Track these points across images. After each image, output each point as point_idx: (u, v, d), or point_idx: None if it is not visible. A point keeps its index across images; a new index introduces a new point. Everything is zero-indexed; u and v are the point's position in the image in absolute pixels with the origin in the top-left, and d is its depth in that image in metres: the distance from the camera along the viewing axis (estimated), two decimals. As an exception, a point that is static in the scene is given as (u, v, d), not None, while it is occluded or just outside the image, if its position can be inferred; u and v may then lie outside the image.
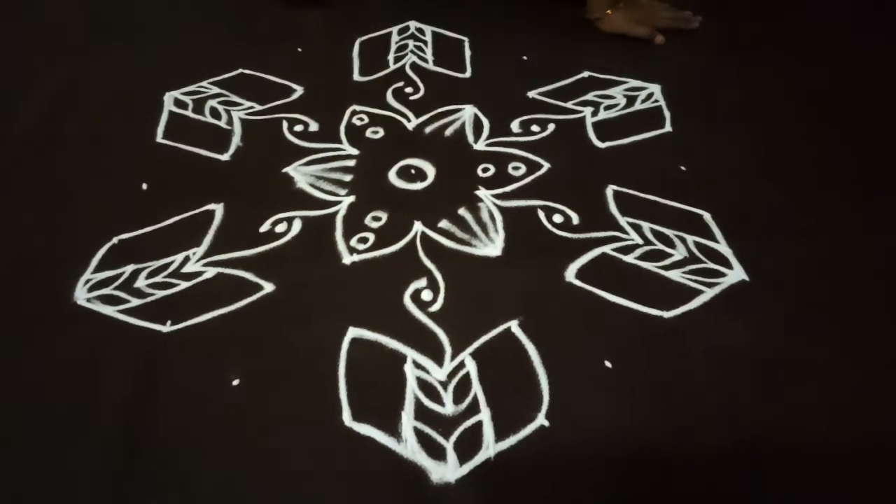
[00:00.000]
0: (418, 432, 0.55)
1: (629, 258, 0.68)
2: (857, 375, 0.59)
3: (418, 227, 0.72)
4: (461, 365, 0.59)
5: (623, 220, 0.72)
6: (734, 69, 0.94)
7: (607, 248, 0.69)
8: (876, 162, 0.79)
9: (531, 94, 0.90)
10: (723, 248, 0.69)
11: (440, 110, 0.87)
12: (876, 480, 0.53)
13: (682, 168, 0.79)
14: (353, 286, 0.66)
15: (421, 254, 0.69)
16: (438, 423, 0.55)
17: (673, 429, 0.55)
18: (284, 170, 0.79)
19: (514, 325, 0.62)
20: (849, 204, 0.74)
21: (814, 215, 0.73)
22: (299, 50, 0.98)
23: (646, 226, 0.71)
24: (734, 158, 0.80)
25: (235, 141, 0.83)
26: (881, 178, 0.77)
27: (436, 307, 0.64)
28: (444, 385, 0.58)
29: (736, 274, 0.67)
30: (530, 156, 0.80)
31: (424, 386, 0.58)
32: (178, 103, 0.88)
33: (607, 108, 0.88)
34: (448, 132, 0.84)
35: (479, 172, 0.78)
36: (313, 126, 0.85)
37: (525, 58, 0.96)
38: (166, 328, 0.62)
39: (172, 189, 0.76)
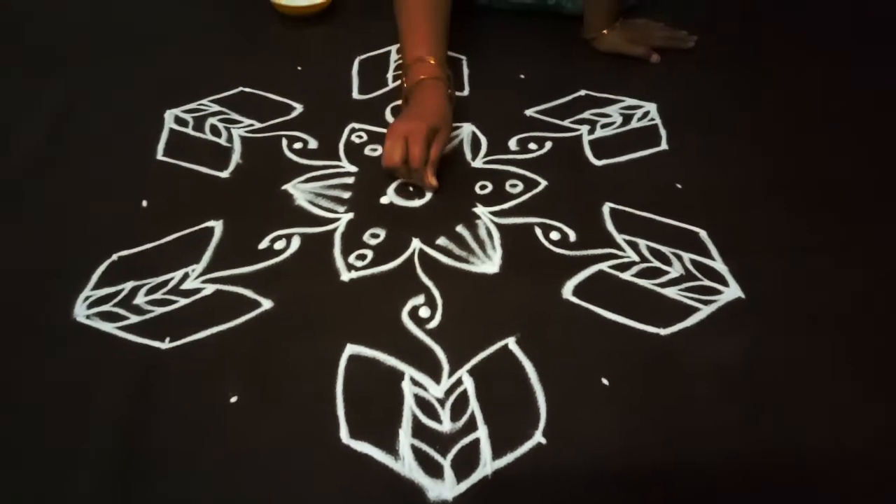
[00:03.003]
0: (415, 450, 0.55)
1: (626, 275, 0.69)
2: (854, 393, 0.59)
3: (416, 244, 0.72)
4: (458, 382, 0.60)
5: (619, 238, 0.73)
6: (729, 87, 0.95)
7: (604, 266, 0.70)
8: (872, 178, 0.80)
9: (528, 112, 0.91)
10: (719, 265, 0.70)
11: (438, 128, 0.88)
12: (874, 498, 0.53)
13: (678, 186, 0.79)
14: (351, 303, 0.66)
15: (419, 271, 0.69)
16: (436, 441, 0.55)
17: (670, 446, 0.55)
18: (284, 187, 0.79)
19: (511, 342, 0.63)
20: (845, 221, 0.75)
21: (810, 233, 0.73)
22: (299, 68, 0.99)
23: (642, 243, 0.72)
24: (730, 176, 0.81)
25: (235, 158, 0.83)
26: (878, 194, 0.78)
27: (433, 324, 0.64)
28: (442, 402, 0.58)
29: (732, 291, 0.67)
30: (527, 173, 0.81)
31: (422, 403, 0.58)
32: (179, 121, 0.89)
33: (604, 126, 0.88)
34: (446, 150, 0.85)
35: (477, 190, 0.79)
36: (312, 143, 0.86)
37: (522, 76, 0.97)
38: (165, 345, 0.62)
39: (172, 206, 0.77)
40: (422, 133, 0.73)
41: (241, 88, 0.95)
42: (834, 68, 0.99)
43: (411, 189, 0.79)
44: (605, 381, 0.60)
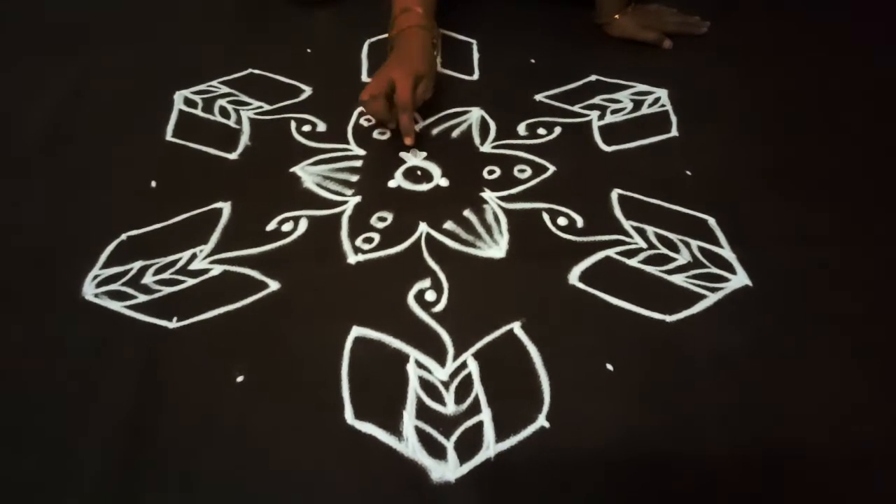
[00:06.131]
0: (419, 431, 0.55)
1: (633, 262, 0.69)
2: (859, 383, 0.59)
3: (423, 227, 0.72)
4: (463, 365, 0.60)
5: (627, 224, 0.72)
6: (741, 75, 0.94)
7: (611, 252, 0.69)
8: (882, 169, 0.79)
9: (538, 97, 0.90)
10: (727, 253, 0.69)
11: (447, 112, 0.87)
12: (876, 490, 0.53)
13: (688, 173, 0.79)
14: (357, 286, 0.67)
15: (425, 254, 0.69)
16: (439, 423, 0.56)
17: (673, 432, 0.55)
18: (292, 169, 0.79)
19: (516, 327, 0.63)
20: (854, 211, 0.74)
21: (818, 222, 0.73)
22: (308, 51, 0.99)
23: (650, 230, 0.72)
24: (740, 164, 0.80)
25: (244, 140, 0.84)
26: (887, 184, 0.77)
27: (439, 308, 0.64)
28: (446, 385, 0.58)
29: (739, 279, 0.67)
30: (536, 158, 0.81)
31: (426, 385, 0.58)
32: (188, 102, 0.89)
33: (614, 111, 0.88)
34: (455, 134, 0.85)
35: (485, 174, 0.79)
36: (321, 126, 0.86)
37: (533, 61, 0.97)
38: (172, 324, 0.63)
39: (181, 187, 0.77)
40: (409, 77, 0.76)
41: (250, 70, 0.95)
42: (848, 58, 0.97)
43: (419, 173, 0.79)
44: (609, 367, 0.60)
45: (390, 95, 0.78)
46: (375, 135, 0.84)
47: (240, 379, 0.59)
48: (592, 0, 1.00)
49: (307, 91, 0.91)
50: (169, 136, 0.84)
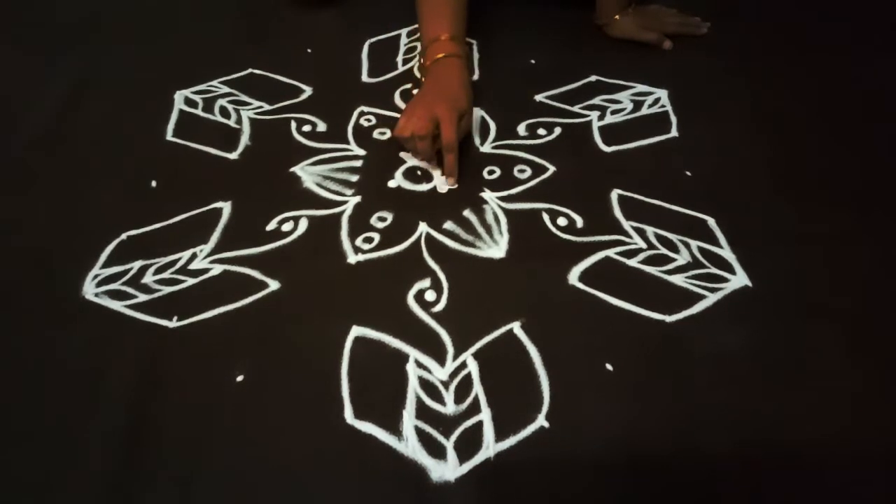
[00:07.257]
0: (419, 431, 0.55)
1: (632, 262, 0.69)
2: (857, 383, 0.59)
3: (423, 227, 0.72)
4: (463, 365, 0.60)
5: (627, 225, 0.72)
6: (741, 75, 0.94)
7: (611, 252, 0.70)
8: (881, 169, 0.79)
9: (538, 97, 0.90)
10: (726, 253, 0.69)
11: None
12: (875, 488, 0.53)
13: (688, 173, 0.79)
14: (357, 285, 0.67)
15: (425, 254, 0.69)
16: (439, 423, 0.56)
17: (672, 432, 0.56)
18: (292, 169, 0.79)
19: (516, 327, 0.63)
20: (853, 211, 0.74)
21: (818, 222, 0.73)
22: (309, 51, 0.99)
23: (650, 230, 0.72)
24: (739, 164, 0.80)
25: (244, 140, 0.84)
26: (886, 185, 0.77)
27: (439, 307, 0.65)
28: (446, 385, 0.59)
29: (739, 280, 0.67)
30: (536, 159, 0.81)
31: (426, 385, 0.58)
32: (189, 102, 0.89)
33: (614, 112, 0.88)
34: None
35: (485, 175, 0.79)
36: (321, 126, 0.86)
37: (533, 61, 0.97)
38: (172, 324, 0.63)
39: (181, 186, 0.77)
40: (453, 114, 0.74)
41: (250, 70, 0.95)
42: (847, 58, 0.97)
43: (419, 173, 0.79)
44: (609, 367, 0.60)
45: (434, 133, 0.75)
46: (376, 135, 0.84)
47: (240, 378, 0.59)
48: (592, 1, 1.00)
49: (307, 91, 0.91)
50: (169, 136, 0.84)
